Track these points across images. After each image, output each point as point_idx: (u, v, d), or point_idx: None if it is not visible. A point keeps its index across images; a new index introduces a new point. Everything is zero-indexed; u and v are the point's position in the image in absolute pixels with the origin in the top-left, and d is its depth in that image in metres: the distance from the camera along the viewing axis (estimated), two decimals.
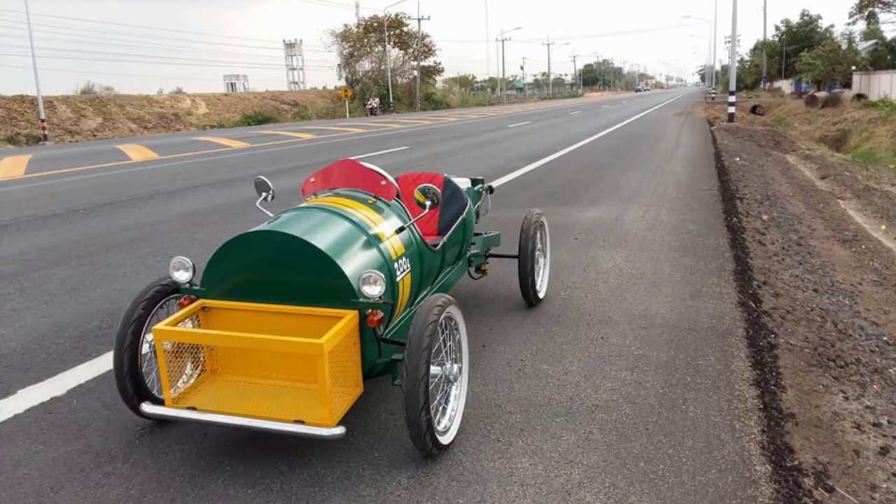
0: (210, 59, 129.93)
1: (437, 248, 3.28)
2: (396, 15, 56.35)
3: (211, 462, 2.51)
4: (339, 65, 54.71)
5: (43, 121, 28.50)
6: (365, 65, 54.93)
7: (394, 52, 56.58)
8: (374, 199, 3.08)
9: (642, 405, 2.87)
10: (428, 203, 3.06)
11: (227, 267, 2.59)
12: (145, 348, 2.63)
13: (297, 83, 60.70)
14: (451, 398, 2.65)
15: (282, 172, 11.86)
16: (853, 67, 39.93)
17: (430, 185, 3.05)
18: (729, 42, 31.19)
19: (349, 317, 2.41)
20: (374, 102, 48.16)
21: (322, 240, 2.53)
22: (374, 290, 2.41)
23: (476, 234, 4.17)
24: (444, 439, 2.48)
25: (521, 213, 6.13)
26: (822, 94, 36.21)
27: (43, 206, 8.90)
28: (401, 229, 2.98)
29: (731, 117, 22.42)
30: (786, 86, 55.60)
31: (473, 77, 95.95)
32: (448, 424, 2.57)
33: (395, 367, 2.56)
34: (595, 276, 4.83)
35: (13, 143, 27.16)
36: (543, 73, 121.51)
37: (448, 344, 2.62)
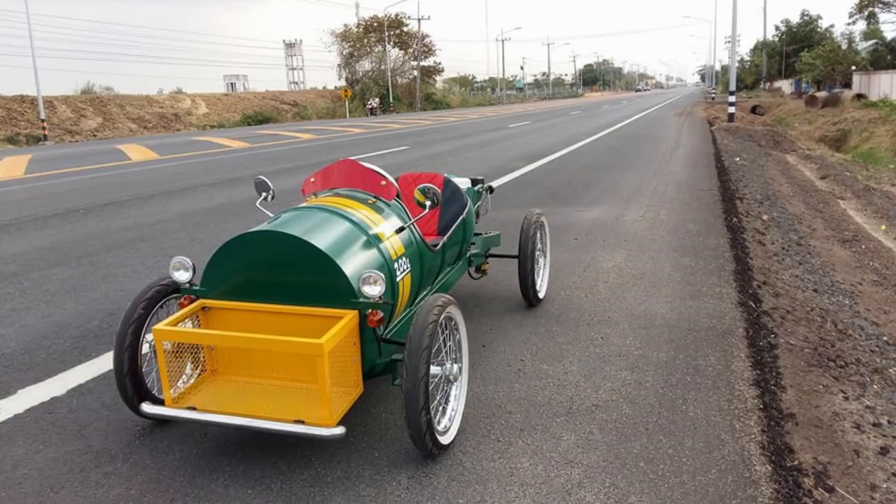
0: (210, 59, 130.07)
1: (437, 248, 3.28)
2: (396, 15, 56.41)
3: (211, 462, 2.51)
4: (339, 65, 54.76)
5: (43, 121, 28.50)
6: (365, 65, 54.99)
7: (394, 52, 56.63)
8: (374, 199, 3.08)
9: (642, 405, 2.87)
10: (428, 203, 3.06)
11: (227, 267, 2.59)
12: (145, 348, 2.63)
13: (297, 83, 60.71)
14: (451, 398, 2.65)
15: (282, 172, 11.86)
16: (853, 67, 39.93)
17: (430, 185, 3.05)
18: (729, 42, 31.21)
19: (349, 317, 2.41)
20: (374, 102, 48.15)
21: (322, 240, 2.53)
22: (374, 290, 2.41)
23: (476, 234, 4.17)
24: (444, 439, 2.48)
25: (521, 213, 6.14)
26: (822, 94, 36.21)
27: (43, 206, 8.90)
28: (401, 229, 2.98)
29: (731, 117, 22.43)
30: (786, 86, 55.59)
31: (473, 77, 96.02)
32: (448, 424, 2.57)
33: (395, 367, 2.56)
34: (595, 276, 4.83)
35: (13, 143, 27.17)
36: (543, 73, 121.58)
37: (448, 344, 2.62)
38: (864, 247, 6.22)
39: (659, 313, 4.00)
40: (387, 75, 52.88)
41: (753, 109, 33.49)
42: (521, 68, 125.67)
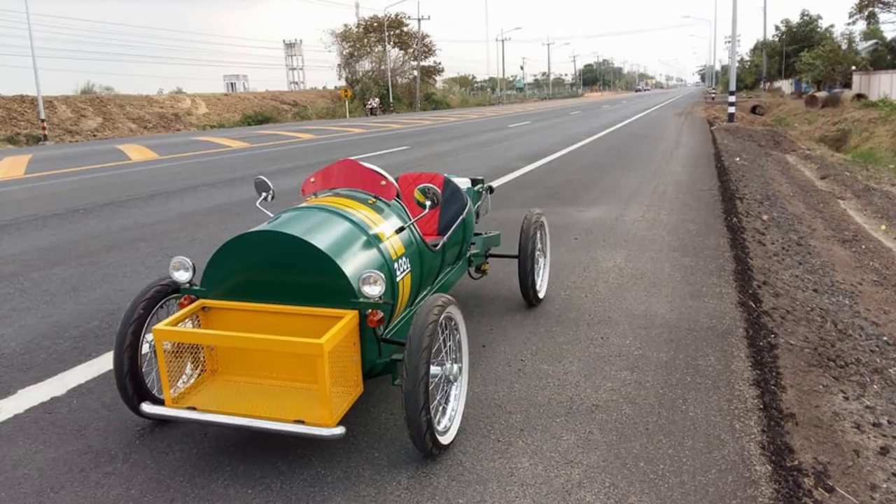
0: (210, 59, 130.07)
1: (437, 248, 3.28)
2: (396, 15, 56.41)
3: (211, 462, 2.51)
4: (339, 65, 54.76)
5: (43, 121, 28.50)
6: (365, 65, 54.99)
7: (394, 52, 56.64)
8: (374, 199, 3.08)
9: (642, 405, 2.87)
10: (428, 203, 3.06)
11: (227, 267, 2.59)
12: (145, 348, 2.63)
13: (297, 83, 60.71)
14: (451, 398, 2.65)
15: (282, 172, 11.86)
16: (853, 67, 39.93)
17: (430, 185, 3.05)
18: (729, 42, 31.20)
19: (349, 317, 2.41)
20: (374, 102, 48.15)
21: (322, 240, 2.53)
22: (374, 290, 2.41)
23: (476, 234, 4.17)
24: (444, 439, 2.48)
25: (521, 213, 6.13)
26: (822, 94, 36.21)
27: (43, 206, 8.90)
28: (401, 229, 2.98)
29: (731, 117, 22.43)
30: (786, 86, 55.59)
31: (473, 77, 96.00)
32: (448, 424, 2.57)
33: (395, 367, 2.56)
34: (595, 276, 4.83)
35: (13, 143, 27.17)
36: (543, 73, 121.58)
37: (448, 344, 2.62)
38: (864, 247, 6.22)
39: (659, 313, 4.00)
40: (387, 75, 52.88)
41: (753, 109, 33.49)
42: (521, 68, 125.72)
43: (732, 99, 23.22)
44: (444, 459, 2.48)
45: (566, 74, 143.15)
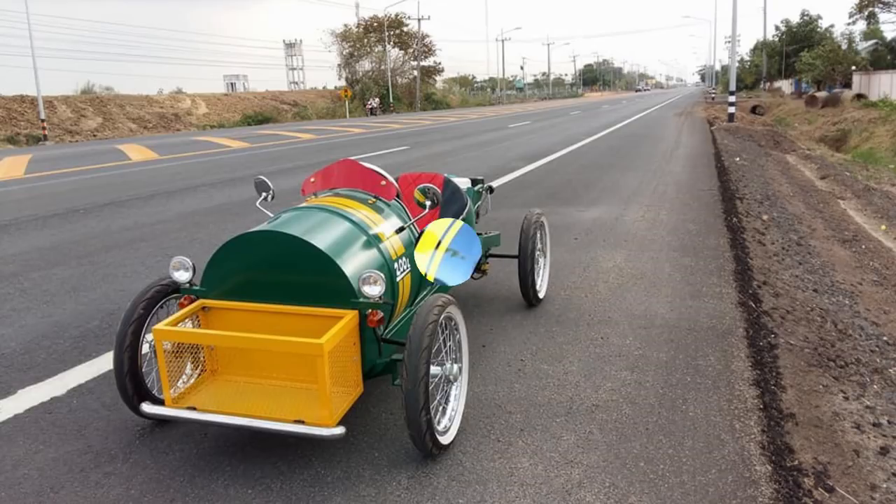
0: (210, 59, 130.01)
1: None
2: (396, 15, 56.42)
3: (211, 462, 2.51)
4: (339, 65, 54.77)
5: (43, 121, 28.49)
6: (365, 65, 55.00)
7: (394, 52, 56.65)
8: (374, 199, 3.08)
9: (642, 405, 2.87)
10: (428, 203, 3.06)
11: (227, 267, 2.59)
12: (145, 348, 2.63)
13: (297, 83, 60.72)
14: (451, 398, 2.65)
15: (282, 172, 11.86)
16: (853, 67, 39.94)
17: (430, 185, 3.05)
18: (729, 42, 31.21)
19: (349, 317, 2.41)
20: (374, 102, 48.16)
21: (322, 240, 2.53)
22: (374, 290, 2.42)
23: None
24: (444, 439, 2.48)
25: (521, 213, 6.14)
26: (822, 94, 36.21)
27: (43, 206, 8.90)
28: (401, 229, 2.98)
29: (731, 117, 22.43)
30: (786, 86, 55.60)
31: (473, 77, 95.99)
32: (448, 424, 2.57)
33: (395, 367, 2.56)
34: (595, 276, 4.83)
35: (13, 143, 27.16)
36: (543, 73, 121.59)
37: (448, 344, 2.62)
38: (864, 247, 6.22)
39: (659, 313, 4.00)
40: (387, 75, 52.88)
41: (753, 109, 33.49)
42: (521, 68, 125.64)
43: (732, 99, 23.22)
44: (444, 459, 2.48)
45: (566, 74, 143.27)
